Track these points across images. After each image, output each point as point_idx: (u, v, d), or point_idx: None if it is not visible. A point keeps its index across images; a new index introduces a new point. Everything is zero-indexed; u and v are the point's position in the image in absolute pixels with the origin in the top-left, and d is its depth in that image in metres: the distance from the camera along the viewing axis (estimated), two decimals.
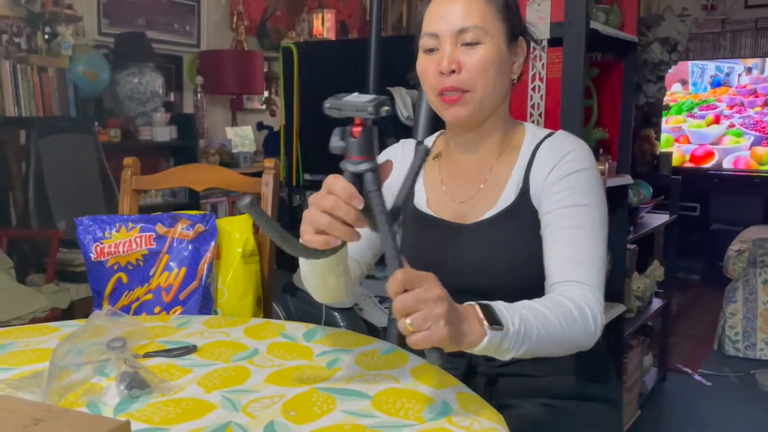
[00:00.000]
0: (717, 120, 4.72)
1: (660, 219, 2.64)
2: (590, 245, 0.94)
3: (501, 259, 0.98)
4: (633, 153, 2.24)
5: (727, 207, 4.35)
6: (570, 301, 0.88)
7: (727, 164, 4.65)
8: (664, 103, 4.71)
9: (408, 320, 0.70)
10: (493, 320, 0.77)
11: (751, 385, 2.79)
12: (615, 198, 2.03)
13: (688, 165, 4.77)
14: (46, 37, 3.02)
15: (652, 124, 4.59)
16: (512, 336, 0.78)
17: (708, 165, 4.71)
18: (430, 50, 0.99)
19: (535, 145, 1.03)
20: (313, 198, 0.79)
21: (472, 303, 0.78)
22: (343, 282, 0.97)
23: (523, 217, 1.00)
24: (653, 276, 2.54)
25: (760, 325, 3.04)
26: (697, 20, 4.77)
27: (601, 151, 2.07)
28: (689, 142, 4.81)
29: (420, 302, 0.70)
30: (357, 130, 0.75)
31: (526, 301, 0.85)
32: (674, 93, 4.85)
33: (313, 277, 0.96)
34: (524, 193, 1.01)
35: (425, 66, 1.00)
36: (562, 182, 0.97)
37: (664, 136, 4.80)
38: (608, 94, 2.09)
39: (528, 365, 0.99)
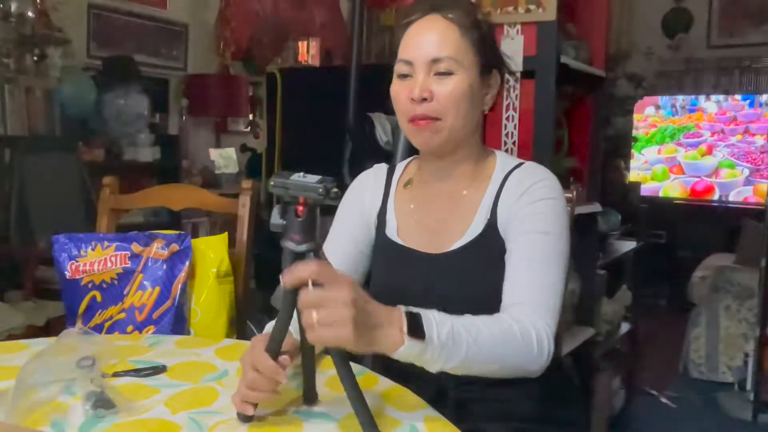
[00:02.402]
0: (710, 150, 4.61)
1: (628, 246, 2.66)
2: (547, 271, 0.92)
3: (468, 291, 0.96)
4: (603, 182, 2.26)
5: (692, 235, 4.41)
6: (515, 321, 0.85)
7: (734, 198, 4.50)
8: (638, 131, 4.74)
9: (314, 314, 0.68)
10: (417, 329, 0.73)
11: (713, 408, 2.80)
12: (585, 224, 2.04)
13: (691, 198, 4.61)
14: (35, 58, 2.99)
15: (621, 155, 4.66)
16: (436, 348, 0.75)
17: (712, 198, 4.56)
18: (404, 76, 0.99)
19: (504, 174, 1.02)
20: (242, 368, 0.78)
21: (400, 308, 0.75)
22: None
23: (489, 248, 0.99)
24: (621, 301, 2.54)
25: (722, 349, 3.06)
26: (661, 58, 4.90)
27: (571, 179, 2.09)
28: (683, 173, 4.70)
29: (327, 300, 0.68)
30: (301, 209, 0.72)
31: (467, 316, 0.81)
32: (648, 116, 4.79)
33: None
34: (491, 224, 1.00)
35: (398, 91, 1.00)
36: (529, 208, 0.97)
37: (659, 167, 4.73)
38: (578, 125, 2.11)
39: (497, 389, 0.98)
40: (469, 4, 1.03)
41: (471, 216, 1.02)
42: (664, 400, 2.87)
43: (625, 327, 2.60)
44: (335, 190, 0.72)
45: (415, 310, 0.76)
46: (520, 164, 1.04)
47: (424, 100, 0.96)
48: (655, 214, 3.29)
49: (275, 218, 0.73)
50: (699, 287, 3.19)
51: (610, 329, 2.45)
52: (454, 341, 0.77)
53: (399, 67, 0.99)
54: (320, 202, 0.71)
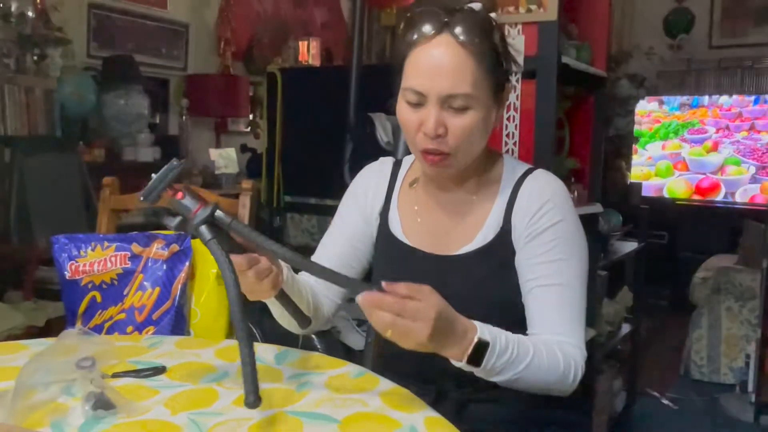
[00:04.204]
0: (715, 147, 4.52)
1: (629, 247, 2.66)
2: (573, 301, 0.97)
3: (475, 296, 0.96)
4: (604, 183, 2.26)
5: (694, 236, 4.40)
6: (563, 355, 0.93)
7: (740, 199, 4.43)
8: (641, 126, 4.69)
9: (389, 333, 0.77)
10: (478, 358, 0.83)
11: (715, 409, 2.79)
12: (586, 225, 2.01)
13: (696, 198, 4.54)
14: (35, 58, 2.99)
15: (623, 155, 4.65)
16: (484, 371, 0.86)
17: (717, 198, 4.49)
18: (414, 104, 0.93)
19: (515, 181, 1.01)
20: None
21: (476, 331, 0.83)
22: (297, 317, 0.98)
23: (500, 256, 0.99)
24: (623, 302, 2.54)
25: (723, 350, 3.06)
26: (663, 59, 4.90)
27: (572, 179, 2.09)
28: (688, 169, 4.62)
29: (415, 312, 0.76)
30: (180, 194, 0.79)
31: (524, 339, 0.90)
32: (652, 111, 4.70)
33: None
34: (505, 233, 0.99)
35: (407, 117, 0.95)
36: (543, 236, 0.97)
37: (663, 163, 4.65)
38: (580, 125, 2.11)
39: (498, 391, 0.97)
40: (484, 13, 0.95)
41: (481, 221, 1.01)
42: (665, 401, 2.86)
43: (626, 328, 2.59)
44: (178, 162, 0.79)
45: (487, 337, 0.84)
46: (529, 170, 1.03)
47: (438, 135, 0.92)
48: (656, 214, 3.28)
49: (170, 222, 0.80)
50: (700, 288, 3.18)
51: (612, 330, 2.45)
52: (504, 368, 0.87)
53: (408, 95, 0.94)
54: (174, 174, 0.79)
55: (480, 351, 0.83)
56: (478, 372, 0.86)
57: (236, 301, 0.77)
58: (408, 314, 0.76)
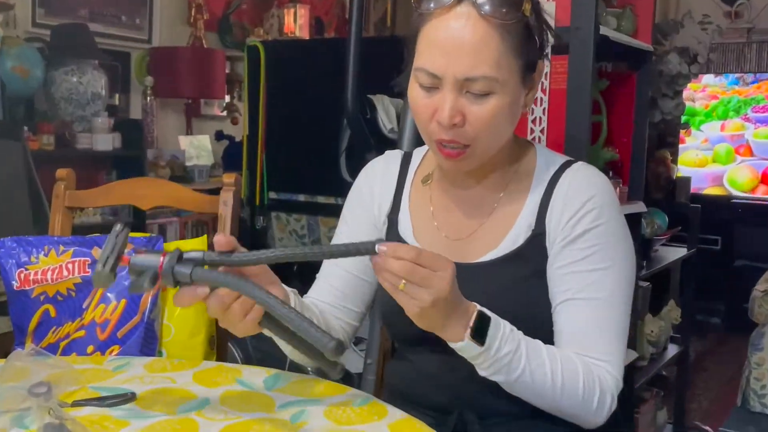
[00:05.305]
0: None
1: (677, 253, 2.67)
2: (612, 319, 0.98)
3: (501, 308, 0.95)
4: (646, 177, 2.27)
5: (753, 240, 4.41)
6: (585, 372, 0.94)
7: None
8: (695, 104, 4.64)
9: (402, 283, 0.82)
10: (481, 333, 0.87)
11: None
12: (626, 222, 2.05)
13: (759, 193, 4.48)
14: None
15: (668, 144, 4.66)
16: (490, 359, 0.89)
17: None
18: (428, 87, 0.94)
19: (550, 176, 1.02)
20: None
21: (475, 307, 0.88)
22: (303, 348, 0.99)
23: (533, 263, 1.00)
24: (669, 318, 2.56)
25: None
26: (719, 28, 4.91)
27: (610, 174, 2.10)
28: (752, 154, 4.55)
29: (425, 280, 0.82)
30: (137, 253, 0.84)
31: (544, 346, 0.94)
32: (707, 86, 4.68)
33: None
34: (538, 236, 1.00)
35: (420, 104, 0.95)
36: (580, 240, 0.98)
37: (722, 146, 4.61)
38: (619, 109, 2.12)
39: (524, 424, 0.99)
40: None
41: (509, 223, 1.02)
42: None
43: (672, 350, 2.61)
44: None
45: (489, 313, 0.89)
46: (567, 163, 1.03)
47: (455, 125, 0.93)
48: (709, 215, 3.29)
49: (139, 283, 0.84)
50: (762, 303, 3.19)
51: (655, 352, 2.47)
52: (511, 362, 0.89)
53: (421, 77, 0.94)
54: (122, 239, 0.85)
55: (483, 325, 0.88)
56: (481, 363, 0.89)
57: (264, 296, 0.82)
58: (427, 265, 0.83)
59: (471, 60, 0.90)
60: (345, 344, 0.84)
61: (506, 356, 0.89)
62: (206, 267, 0.85)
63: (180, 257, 0.84)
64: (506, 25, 0.91)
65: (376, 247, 0.82)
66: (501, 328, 0.89)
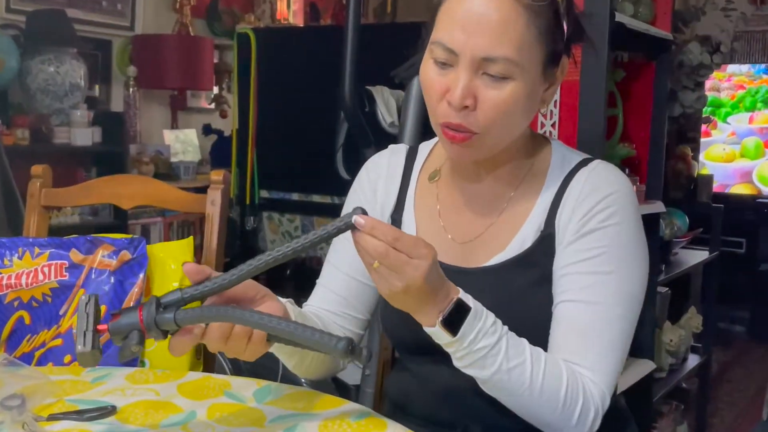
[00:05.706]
0: None
1: (698, 256, 2.67)
2: (608, 327, 0.96)
3: (506, 314, 0.94)
4: (665, 175, 2.27)
5: None
6: (569, 382, 0.92)
7: None
8: (720, 94, 4.61)
9: (376, 264, 0.83)
10: (455, 324, 0.86)
11: None
12: (644, 230, 2.05)
13: None
14: None
15: (689, 139, 4.66)
16: (462, 350, 0.88)
17: None
18: (442, 63, 0.94)
19: (564, 175, 1.02)
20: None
21: (457, 293, 0.88)
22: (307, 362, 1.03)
23: (541, 266, 1.00)
24: (689, 326, 2.56)
25: None
26: (743, 15, 4.91)
27: (627, 171, 2.10)
28: None
29: (398, 266, 0.82)
30: (113, 317, 0.85)
31: (524, 343, 0.92)
32: (733, 75, 4.66)
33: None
34: (547, 237, 1.00)
35: (432, 78, 0.95)
36: (587, 239, 0.97)
37: (751, 140, 4.59)
38: (636, 102, 2.13)
39: None
40: None
41: (518, 223, 1.02)
42: None
43: (693, 360, 2.61)
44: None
45: (471, 303, 0.88)
46: (584, 161, 1.03)
47: (465, 107, 0.92)
48: (732, 215, 3.30)
49: (130, 345, 0.84)
50: None
51: (675, 363, 2.47)
52: (486, 357, 0.88)
53: (436, 51, 0.93)
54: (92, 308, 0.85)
55: (459, 315, 0.87)
56: (454, 353, 0.89)
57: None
58: (404, 251, 0.83)
59: (492, 39, 0.90)
60: (354, 340, 0.83)
61: (482, 350, 0.87)
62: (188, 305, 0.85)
63: (158, 304, 0.84)
64: (535, 6, 0.91)
65: (353, 218, 0.82)
66: (481, 321, 0.88)
